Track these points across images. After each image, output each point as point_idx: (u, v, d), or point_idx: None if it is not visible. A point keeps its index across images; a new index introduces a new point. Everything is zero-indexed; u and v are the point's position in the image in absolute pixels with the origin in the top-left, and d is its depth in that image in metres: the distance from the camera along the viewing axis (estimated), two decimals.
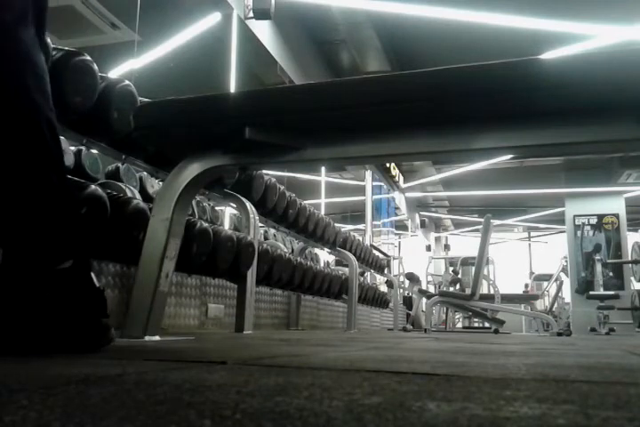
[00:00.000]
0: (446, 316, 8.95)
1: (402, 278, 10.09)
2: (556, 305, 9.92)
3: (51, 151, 1.13)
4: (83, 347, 1.05)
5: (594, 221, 11.65)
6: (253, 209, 3.30)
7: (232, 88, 5.25)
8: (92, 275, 1.15)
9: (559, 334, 5.19)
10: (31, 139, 1.11)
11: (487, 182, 12.40)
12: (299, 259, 4.39)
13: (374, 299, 6.93)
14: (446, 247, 16.36)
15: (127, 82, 2.37)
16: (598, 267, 10.44)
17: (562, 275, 10.56)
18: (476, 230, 13.52)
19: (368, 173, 10.27)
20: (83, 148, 2.61)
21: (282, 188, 4.01)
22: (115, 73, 4.56)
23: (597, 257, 10.67)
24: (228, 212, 4.80)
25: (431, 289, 10.70)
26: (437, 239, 17.48)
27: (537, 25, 6.01)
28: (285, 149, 1.69)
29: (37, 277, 1.08)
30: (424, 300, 7.32)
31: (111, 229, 2.16)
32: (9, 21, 1.09)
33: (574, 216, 11.77)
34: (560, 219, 12.77)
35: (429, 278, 11.83)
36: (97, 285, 1.15)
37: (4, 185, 1.10)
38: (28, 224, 1.11)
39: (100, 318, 1.11)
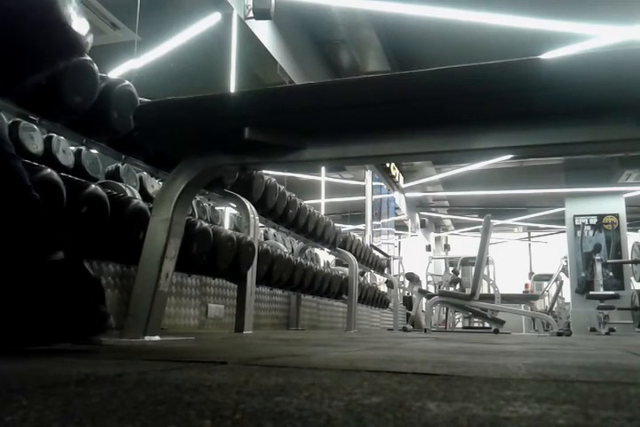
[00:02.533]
0: (446, 316, 8.95)
1: (402, 278, 10.09)
2: (555, 305, 9.91)
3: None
4: (82, 332, 1.06)
5: (594, 221, 11.65)
6: (253, 209, 3.30)
7: (232, 88, 5.24)
8: (86, 266, 1.17)
9: (559, 334, 5.18)
10: None
11: (487, 182, 12.40)
12: (299, 259, 4.39)
13: (374, 299, 6.93)
14: (446, 247, 16.35)
15: (127, 82, 2.37)
16: (598, 267, 10.44)
17: (562, 275, 10.55)
18: (476, 230, 13.52)
19: (368, 173, 10.26)
20: (83, 148, 2.61)
21: (282, 188, 4.01)
22: (115, 73, 4.56)
23: (597, 257, 10.66)
24: (228, 212, 4.80)
25: (431, 289, 10.69)
26: (437, 239, 17.47)
27: (537, 25, 6.01)
28: (285, 149, 1.69)
29: (31, 268, 1.10)
30: (424, 300, 7.32)
31: (111, 229, 2.16)
32: None
33: (574, 216, 11.76)
34: (560, 219, 12.76)
35: (429, 278, 11.83)
36: (92, 274, 1.17)
37: None
38: None
39: (98, 304, 1.13)
